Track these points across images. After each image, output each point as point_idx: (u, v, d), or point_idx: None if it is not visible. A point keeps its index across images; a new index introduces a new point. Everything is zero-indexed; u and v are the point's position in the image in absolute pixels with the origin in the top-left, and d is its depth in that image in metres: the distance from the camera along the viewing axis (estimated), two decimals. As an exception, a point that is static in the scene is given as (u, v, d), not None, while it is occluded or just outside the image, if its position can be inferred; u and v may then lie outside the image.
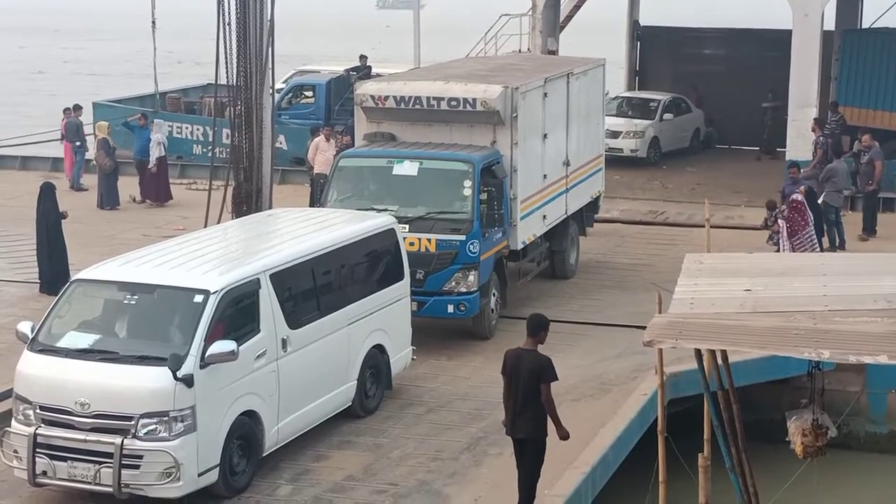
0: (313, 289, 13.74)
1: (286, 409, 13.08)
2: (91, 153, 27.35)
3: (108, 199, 25.76)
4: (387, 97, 17.99)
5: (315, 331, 13.54)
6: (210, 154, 23.19)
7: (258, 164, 18.76)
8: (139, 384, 11.79)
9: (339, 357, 14.06)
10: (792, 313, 9.46)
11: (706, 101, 33.34)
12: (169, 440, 11.69)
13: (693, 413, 13.31)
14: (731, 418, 9.87)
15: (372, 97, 18.07)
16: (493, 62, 22.86)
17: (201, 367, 11.84)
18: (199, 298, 12.17)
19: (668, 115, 31.98)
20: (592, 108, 21.78)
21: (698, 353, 9.81)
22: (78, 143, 27.57)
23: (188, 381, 11.69)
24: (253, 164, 18.71)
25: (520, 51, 30.56)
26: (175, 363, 11.66)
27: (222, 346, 11.95)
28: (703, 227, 13.80)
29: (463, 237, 16.66)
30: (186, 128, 31.60)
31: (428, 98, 17.84)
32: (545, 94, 19.12)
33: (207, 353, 11.87)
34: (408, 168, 17.23)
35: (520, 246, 18.24)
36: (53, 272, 19.22)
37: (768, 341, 9.00)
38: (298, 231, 14.57)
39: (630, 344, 16.56)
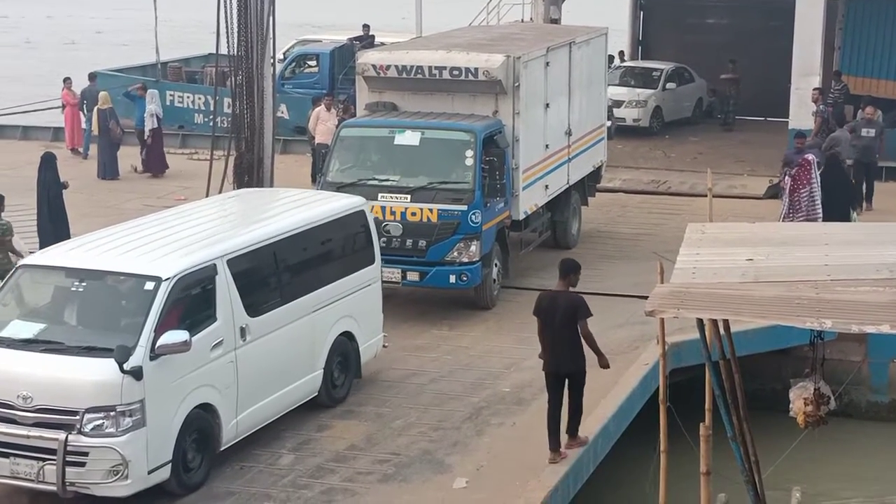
0: (276, 274, 13.05)
1: (246, 401, 12.42)
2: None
3: (111, 170, 25.76)
4: (388, 66, 17.89)
5: (277, 318, 12.84)
6: (211, 124, 23.14)
7: (260, 133, 18.73)
8: (84, 377, 11.15)
9: (304, 345, 13.38)
10: (794, 283, 9.45)
11: (709, 72, 33.19)
12: (116, 436, 11.06)
13: (695, 383, 13.32)
14: (732, 388, 9.88)
15: (374, 66, 17.98)
16: (496, 31, 22.77)
17: (151, 358, 11.21)
18: (149, 286, 11.54)
19: (670, 85, 31.89)
20: (595, 77, 21.70)
21: (700, 322, 9.80)
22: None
23: (136, 373, 11.07)
24: (254, 133, 18.68)
25: (522, 20, 30.46)
26: (122, 355, 11.02)
27: (174, 336, 11.27)
28: (706, 196, 13.81)
29: (465, 207, 16.61)
30: (188, 97, 31.53)
31: (430, 67, 17.75)
32: (547, 64, 19.04)
33: (158, 344, 11.22)
34: (409, 138, 17.15)
35: (522, 216, 18.20)
36: (56, 243, 19.17)
37: (770, 311, 8.99)
38: (263, 213, 13.95)
39: (632, 314, 16.57)
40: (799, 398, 10.25)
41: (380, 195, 16.69)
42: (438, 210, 16.61)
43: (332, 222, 14.00)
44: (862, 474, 15.73)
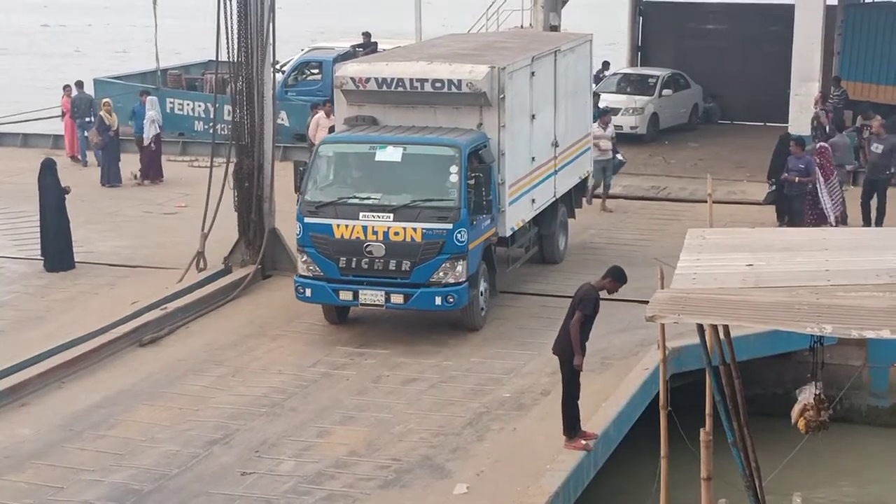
0: None
1: None
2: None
3: (112, 177, 25.75)
4: (367, 79, 17.05)
5: None
6: (211, 131, 23.16)
7: (259, 140, 18.78)
8: None
9: None
10: (794, 288, 9.46)
11: (708, 77, 33.18)
12: None
13: (695, 388, 13.32)
14: (732, 393, 9.88)
15: (352, 79, 17.13)
16: (479, 40, 22.00)
17: None
18: None
19: (667, 91, 31.85)
20: (580, 85, 20.98)
21: (700, 327, 9.81)
22: (88, 119, 27.47)
23: None
24: (254, 140, 18.74)
25: (521, 26, 30.49)
26: None
27: None
28: (706, 202, 13.78)
29: (450, 226, 15.88)
30: (188, 104, 31.55)
31: (411, 80, 16.91)
32: (532, 74, 18.31)
33: None
34: (391, 154, 16.34)
35: (508, 232, 17.51)
36: (57, 248, 19.26)
37: (771, 316, 9.01)
38: None
39: (632, 319, 16.56)
40: (800, 403, 10.27)
41: (361, 214, 15.96)
42: (423, 229, 15.86)
43: None
44: (862, 479, 15.73)
